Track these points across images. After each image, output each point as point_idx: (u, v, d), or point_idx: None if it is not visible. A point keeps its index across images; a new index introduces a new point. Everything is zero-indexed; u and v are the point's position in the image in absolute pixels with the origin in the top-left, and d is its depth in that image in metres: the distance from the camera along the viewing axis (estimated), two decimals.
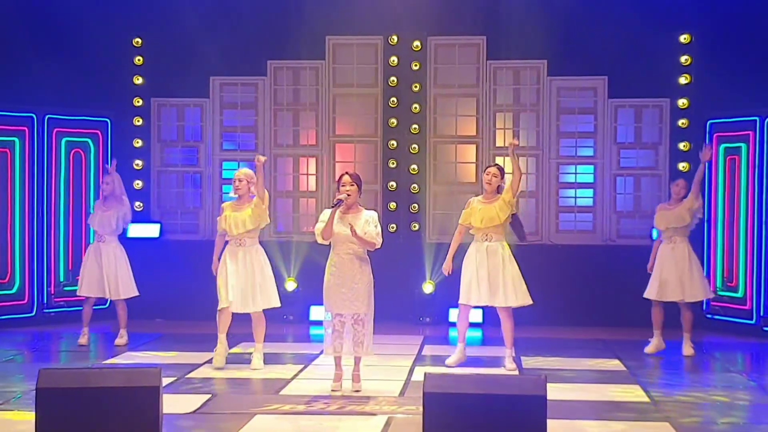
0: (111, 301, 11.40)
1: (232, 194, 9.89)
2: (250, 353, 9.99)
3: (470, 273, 9.77)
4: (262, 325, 9.89)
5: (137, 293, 11.36)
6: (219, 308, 9.74)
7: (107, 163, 11.72)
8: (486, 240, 9.79)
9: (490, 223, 9.72)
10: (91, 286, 11.11)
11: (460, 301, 9.92)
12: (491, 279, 9.73)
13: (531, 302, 9.86)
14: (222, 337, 9.82)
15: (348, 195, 8.63)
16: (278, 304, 9.96)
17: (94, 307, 11.46)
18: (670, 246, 10.82)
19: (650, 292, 10.89)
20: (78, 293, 11.36)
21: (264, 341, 9.94)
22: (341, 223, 8.65)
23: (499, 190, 9.84)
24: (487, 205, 9.77)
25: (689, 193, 10.78)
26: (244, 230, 9.69)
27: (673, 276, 10.74)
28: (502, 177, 9.87)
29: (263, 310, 9.87)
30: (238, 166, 13.35)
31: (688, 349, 10.81)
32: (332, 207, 8.65)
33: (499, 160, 13.36)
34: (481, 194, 9.96)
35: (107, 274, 11.09)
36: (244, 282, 9.69)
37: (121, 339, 11.24)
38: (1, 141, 12.51)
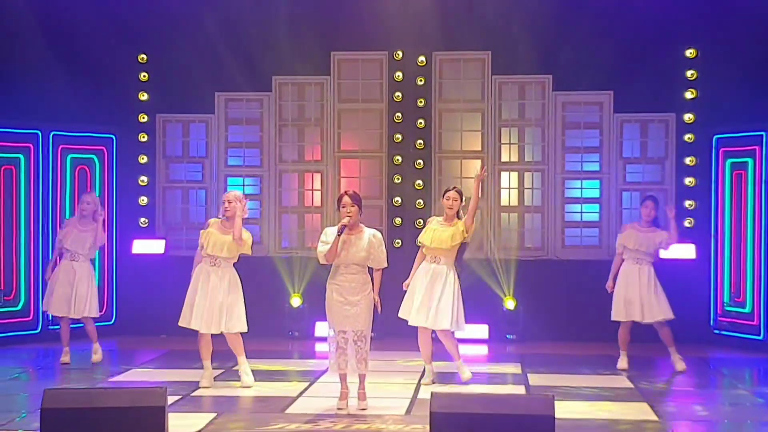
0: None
1: (220, 216, 9.74)
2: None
3: (417, 293, 9.75)
4: (238, 341, 9.78)
5: (99, 314, 11.37)
6: (180, 324, 9.72)
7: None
8: (434, 262, 9.76)
9: (438, 244, 9.72)
10: (61, 306, 11.05)
11: (410, 322, 9.88)
12: (432, 302, 9.70)
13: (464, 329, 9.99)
14: (207, 363, 9.78)
15: (350, 217, 8.60)
16: (244, 329, 9.77)
17: (100, 324, 11.47)
18: (637, 267, 10.81)
19: (618, 314, 10.88)
20: (48, 311, 11.20)
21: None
22: (344, 244, 8.60)
23: (458, 215, 9.81)
24: (443, 228, 9.76)
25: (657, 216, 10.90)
26: (221, 254, 9.60)
27: (637, 296, 10.76)
28: (461, 200, 9.84)
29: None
30: (243, 182, 13.45)
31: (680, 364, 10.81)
32: (338, 234, 8.56)
33: (504, 175, 13.39)
34: (441, 216, 9.90)
35: (77, 294, 11.03)
36: (213, 303, 9.59)
37: (97, 354, 11.20)
38: (6, 158, 12.50)
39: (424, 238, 9.84)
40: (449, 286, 9.74)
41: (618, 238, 11.07)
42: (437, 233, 9.76)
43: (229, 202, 9.66)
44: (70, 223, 11.25)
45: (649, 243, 10.82)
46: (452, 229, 9.74)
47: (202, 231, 9.80)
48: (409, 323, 9.91)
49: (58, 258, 11.15)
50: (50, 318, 12.75)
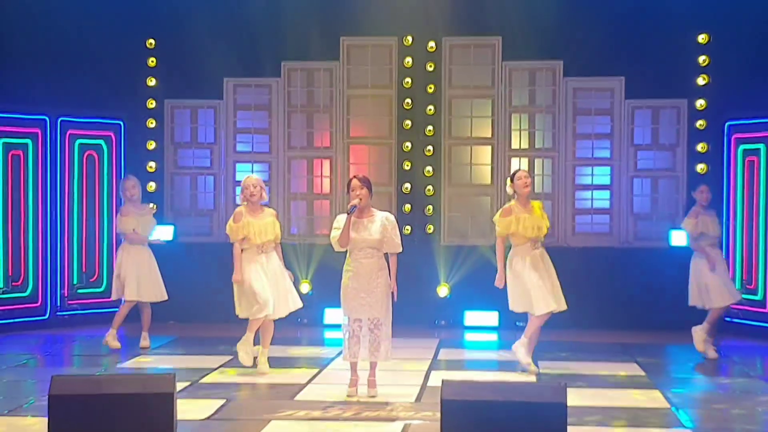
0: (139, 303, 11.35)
1: (241, 201, 9.72)
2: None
3: (536, 280, 9.63)
4: (272, 329, 9.79)
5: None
6: (257, 316, 9.57)
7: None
8: (535, 248, 9.70)
9: (540, 232, 9.67)
10: (138, 291, 11.06)
11: (541, 312, 9.68)
12: (552, 284, 9.72)
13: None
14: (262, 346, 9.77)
15: (360, 199, 8.54)
16: (301, 305, 9.92)
17: (110, 309, 11.46)
18: (717, 251, 10.83)
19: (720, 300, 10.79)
20: (128, 299, 11.11)
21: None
22: (357, 228, 8.55)
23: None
24: (531, 214, 9.69)
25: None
26: (268, 238, 9.59)
27: (725, 278, 10.83)
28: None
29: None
30: (252, 168, 13.38)
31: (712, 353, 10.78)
32: (347, 214, 8.55)
33: (514, 162, 13.30)
34: (513, 200, 9.79)
35: (152, 278, 11.13)
36: (275, 288, 9.61)
37: (146, 341, 11.23)
38: (14, 143, 12.46)
39: (521, 228, 9.62)
40: (553, 268, 9.78)
41: (692, 224, 10.76)
42: (534, 220, 9.66)
43: (254, 187, 9.61)
44: (129, 210, 11.18)
45: (719, 227, 10.86)
46: (539, 213, 9.73)
47: (233, 224, 9.62)
48: (540, 312, 9.66)
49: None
50: (58, 304, 12.77)
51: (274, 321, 9.77)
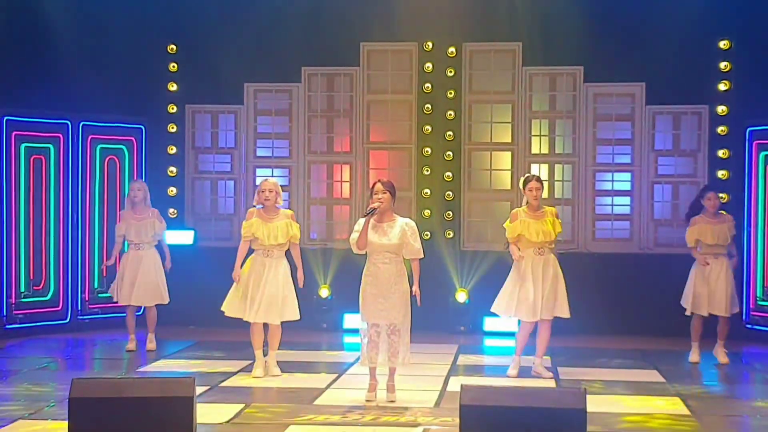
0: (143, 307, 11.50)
1: (256, 203, 9.79)
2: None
3: (529, 287, 9.65)
4: (278, 334, 9.79)
5: (168, 300, 11.43)
6: (229, 315, 9.74)
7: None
8: (540, 254, 9.67)
9: (545, 237, 9.65)
10: (131, 295, 11.12)
11: (525, 319, 9.75)
12: (548, 292, 9.67)
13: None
14: (259, 353, 9.78)
15: (381, 203, 8.54)
16: (298, 317, 9.83)
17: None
18: (713, 260, 10.64)
19: (695, 307, 10.74)
20: (119, 302, 11.32)
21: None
22: (377, 232, 8.56)
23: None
24: (538, 220, 9.67)
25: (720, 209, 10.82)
26: (276, 242, 9.61)
27: (713, 289, 10.62)
28: (543, 187, 9.83)
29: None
30: (272, 173, 13.41)
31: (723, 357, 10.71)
32: (366, 216, 8.57)
33: (534, 168, 13.28)
34: (524, 206, 9.81)
35: (144, 282, 11.13)
36: (269, 293, 9.59)
37: (152, 343, 11.31)
38: (36, 147, 12.53)
39: (526, 233, 9.64)
40: (561, 275, 9.73)
41: (689, 232, 10.77)
42: (540, 226, 9.65)
43: (270, 191, 9.62)
44: (126, 215, 11.29)
45: (722, 234, 10.66)
46: (550, 218, 9.71)
47: (244, 222, 9.76)
48: (527, 319, 9.73)
49: (119, 249, 11.36)
50: (79, 308, 12.83)
51: (282, 325, 9.75)
